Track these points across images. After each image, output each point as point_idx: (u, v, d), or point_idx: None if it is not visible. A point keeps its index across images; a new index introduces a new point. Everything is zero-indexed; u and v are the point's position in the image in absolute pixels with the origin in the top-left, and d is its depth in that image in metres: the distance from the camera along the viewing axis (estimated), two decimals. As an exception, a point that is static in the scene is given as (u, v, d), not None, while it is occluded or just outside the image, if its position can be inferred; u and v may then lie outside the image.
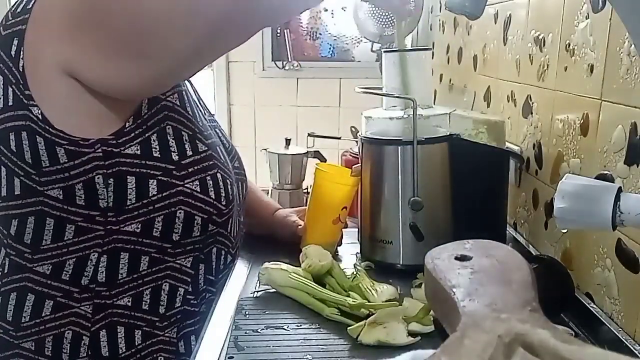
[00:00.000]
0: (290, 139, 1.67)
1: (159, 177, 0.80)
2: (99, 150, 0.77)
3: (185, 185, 0.82)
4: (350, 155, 1.65)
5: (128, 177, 0.79)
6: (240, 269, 1.01)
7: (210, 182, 0.85)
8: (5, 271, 0.83)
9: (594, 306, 0.82)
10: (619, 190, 0.62)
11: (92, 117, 0.76)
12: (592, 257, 0.83)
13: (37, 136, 0.76)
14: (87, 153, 0.77)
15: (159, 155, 0.81)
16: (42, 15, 0.74)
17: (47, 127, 0.75)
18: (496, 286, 0.41)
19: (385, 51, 1.09)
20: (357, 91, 1.06)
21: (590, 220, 0.62)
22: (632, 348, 0.72)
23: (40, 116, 0.75)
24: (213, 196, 0.85)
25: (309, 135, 1.68)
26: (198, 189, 0.83)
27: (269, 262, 0.95)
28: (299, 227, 1.10)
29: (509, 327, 0.36)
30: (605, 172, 0.80)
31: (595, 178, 0.81)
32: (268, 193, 1.60)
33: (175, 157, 0.82)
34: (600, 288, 0.82)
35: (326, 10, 2.78)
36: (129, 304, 0.82)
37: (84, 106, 0.75)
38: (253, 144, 2.85)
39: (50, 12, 0.73)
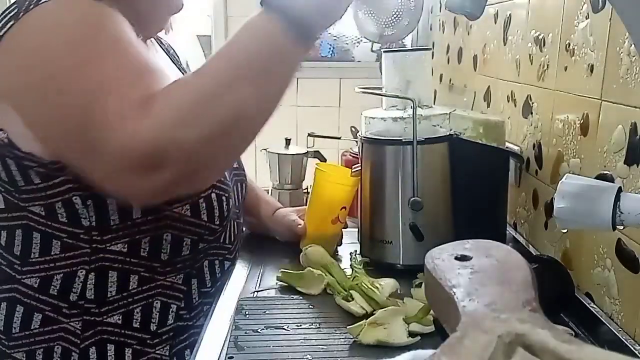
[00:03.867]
0: (290, 139, 1.66)
1: None
2: (70, 173, 0.74)
3: (174, 210, 0.79)
4: (350, 155, 1.65)
5: (108, 198, 0.76)
6: (241, 269, 1.01)
7: (204, 204, 0.82)
8: None
9: (594, 306, 0.82)
10: (619, 190, 0.62)
11: None
12: (592, 257, 0.83)
13: (7, 158, 0.74)
14: (59, 175, 0.74)
15: None
16: (6, 53, 0.69)
17: (15, 150, 0.73)
18: (496, 286, 0.41)
19: (385, 51, 1.09)
20: (357, 91, 1.06)
21: (590, 220, 0.63)
22: (632, 348, 0.72)
23: (6, 140, 0.73)
24: (205, 218, 0.82)
25: (309, 135, 1.68)
26: (188, 213, 0.80)
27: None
28: (299, 226, 1.10)
29: (509, 327, 0.36)
30: (605, 172, 0.80)
31: (595, 178, 0.81)
32: (268, 193, 1.60)
33: None
34: (600, 288, 0.82)
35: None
36: (119, 321, 0.80)
37: None
38: (253, 143, 2.84)
39: (12, 58, 0.69)
